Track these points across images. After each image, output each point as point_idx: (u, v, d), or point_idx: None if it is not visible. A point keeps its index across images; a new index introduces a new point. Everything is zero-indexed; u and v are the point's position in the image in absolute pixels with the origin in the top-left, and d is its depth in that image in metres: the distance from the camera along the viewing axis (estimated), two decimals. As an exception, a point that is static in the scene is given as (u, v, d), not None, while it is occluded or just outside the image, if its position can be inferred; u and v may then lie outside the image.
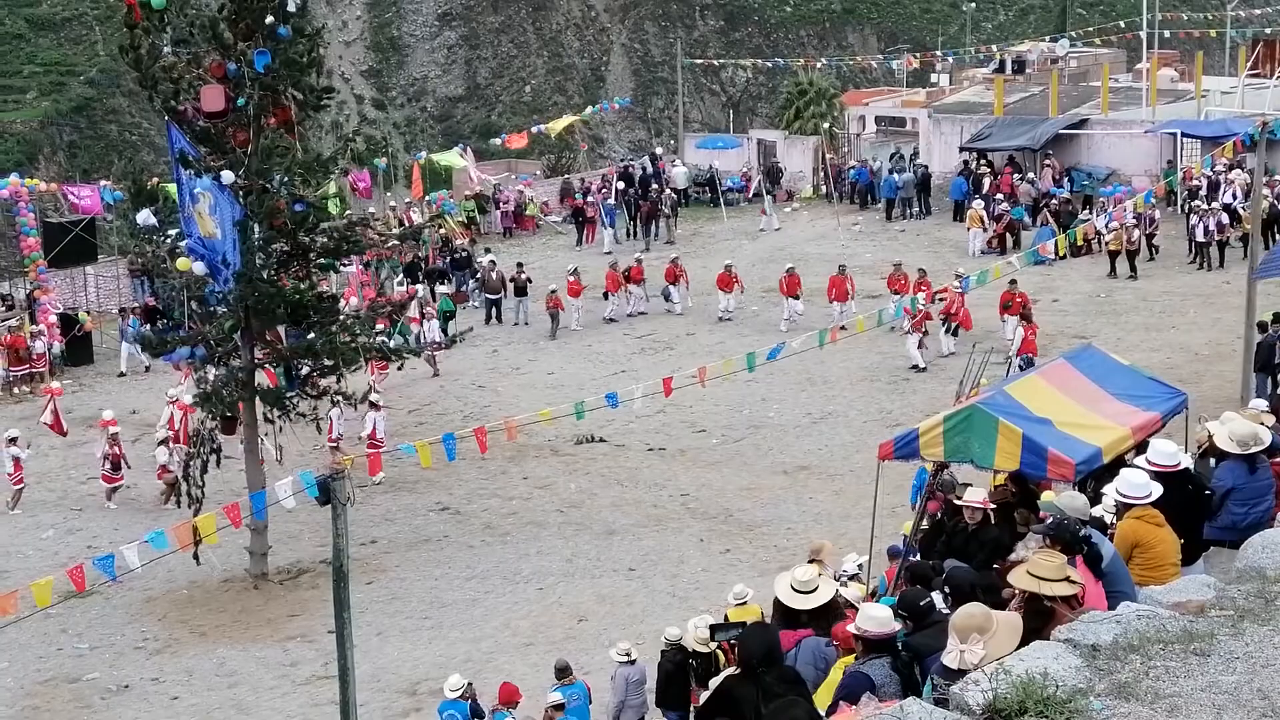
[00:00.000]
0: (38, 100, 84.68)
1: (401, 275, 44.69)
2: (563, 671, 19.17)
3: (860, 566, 19.36)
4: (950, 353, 35.88)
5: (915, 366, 35.46)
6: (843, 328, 31.79)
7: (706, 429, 32.98)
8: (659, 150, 67.56)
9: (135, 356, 39.02)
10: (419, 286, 41.48)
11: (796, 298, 40.22)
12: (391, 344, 29.01)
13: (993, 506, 15.30)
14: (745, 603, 18.11)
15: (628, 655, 19.02)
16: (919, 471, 22.91)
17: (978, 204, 47.85)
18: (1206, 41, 76.01)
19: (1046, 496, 14.47)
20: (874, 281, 41.64)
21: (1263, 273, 15.30)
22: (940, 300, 36.00)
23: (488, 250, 47.24)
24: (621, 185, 56.06)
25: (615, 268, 42.89)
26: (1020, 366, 30.50)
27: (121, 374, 39.78)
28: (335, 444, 30.62)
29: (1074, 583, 9.07)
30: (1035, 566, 9.12)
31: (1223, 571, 9.86)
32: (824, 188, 58.59)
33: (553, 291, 41.61)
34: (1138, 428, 15.81)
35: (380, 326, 29.89)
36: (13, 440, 30.46)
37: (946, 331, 36.50)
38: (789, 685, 9.90)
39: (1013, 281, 35.26)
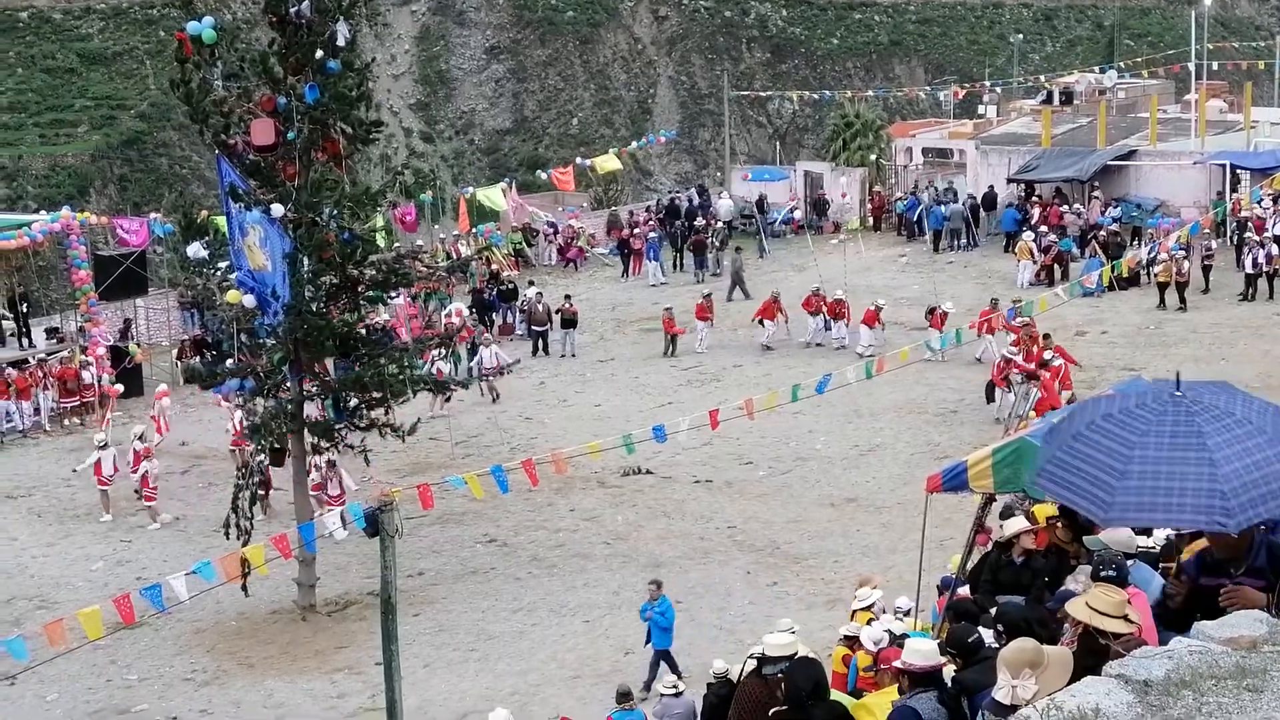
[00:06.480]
0: (89, 134, 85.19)
1: (470, 307, 44.78)
2: (624, 696, 19.18)
3: (909, 612, 19.22)
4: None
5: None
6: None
7: (753, 461, 32.92)
8: (705, 182, 67.59)
9: None
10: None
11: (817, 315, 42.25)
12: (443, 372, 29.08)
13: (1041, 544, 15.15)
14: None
15: (674, 688, 18.96)
16: None
17: (1028, 235, 47.70)
18: (1255, 72, 75.62)
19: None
20: (917, 312, 41.57)
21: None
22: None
23: (531, 283, 47.37)
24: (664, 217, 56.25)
25: (777, 297, 42.89)
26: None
27: None
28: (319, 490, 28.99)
29: (1132, 622, 8.94)
30: (1095, 600, 8.97)
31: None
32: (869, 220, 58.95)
33: (668, 310, 43.16)
34: (1188, 461, 15.64)
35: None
36: (139, 437, 31.72)
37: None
38: (837, 720, 9.86)
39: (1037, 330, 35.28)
